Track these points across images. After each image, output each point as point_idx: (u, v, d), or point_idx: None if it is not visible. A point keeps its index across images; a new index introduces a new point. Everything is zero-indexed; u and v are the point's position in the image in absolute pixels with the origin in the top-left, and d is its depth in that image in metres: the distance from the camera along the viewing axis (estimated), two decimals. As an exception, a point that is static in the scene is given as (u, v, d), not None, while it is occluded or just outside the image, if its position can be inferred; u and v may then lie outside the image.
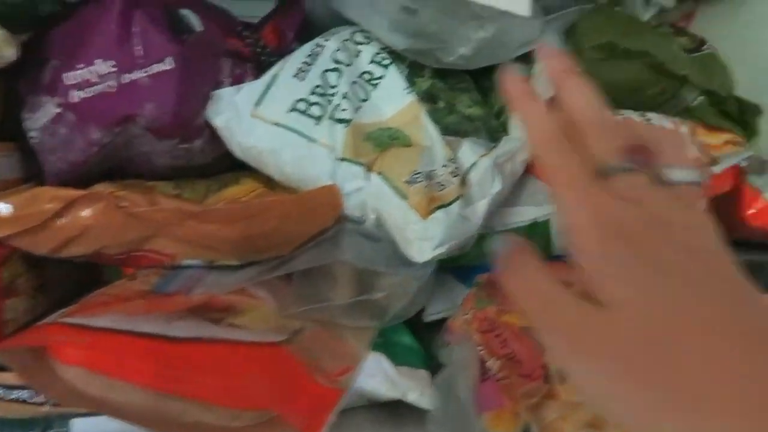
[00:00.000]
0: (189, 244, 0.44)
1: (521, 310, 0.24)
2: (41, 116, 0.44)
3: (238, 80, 0.48)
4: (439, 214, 0.42)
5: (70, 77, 0.43)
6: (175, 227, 0.43)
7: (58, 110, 0.43)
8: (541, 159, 0.25)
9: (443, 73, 0.54)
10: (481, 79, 0.56)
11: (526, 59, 0.52)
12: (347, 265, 0.47)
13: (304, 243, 0.47)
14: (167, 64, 0.42)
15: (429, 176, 0.45)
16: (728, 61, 0.56)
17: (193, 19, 0.45)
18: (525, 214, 0.52)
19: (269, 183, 0.49)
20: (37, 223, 0.41)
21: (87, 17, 0.43)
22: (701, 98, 0.52)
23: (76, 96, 0.43)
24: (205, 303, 0.44)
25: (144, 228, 0.43)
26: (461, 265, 0.54)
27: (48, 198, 0.41)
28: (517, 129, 0.51)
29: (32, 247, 0.43)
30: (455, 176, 0.45)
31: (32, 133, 0.44)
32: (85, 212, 0.42)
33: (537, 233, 0.52)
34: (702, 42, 0.57)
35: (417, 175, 0.44)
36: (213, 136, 0.47)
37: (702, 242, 0.23)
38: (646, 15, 0.57)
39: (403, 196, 0.43)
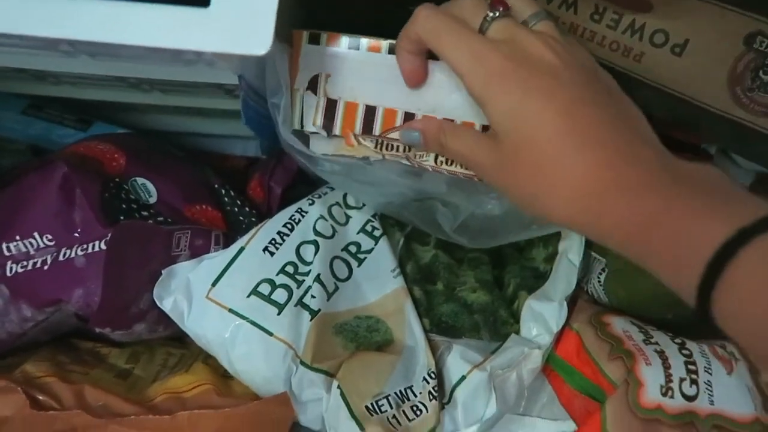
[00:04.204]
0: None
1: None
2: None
3: (198, 252, 0.41)
4: (400, 458, 0.33)
5: (9, 248, 0.39)
6: (97, 430, 0.37)
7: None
8: (430, 32, 0.29)
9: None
10: (495, 252, 0.48)
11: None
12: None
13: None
14: (103, 245, 0.37)
15: (401, 398, 0.36)
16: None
17: (148, 188, 0.40)
18: (537, 428, 0.42)
19: (224, 376, 0.41)
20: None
21: (28, 186, 0.39)
22: None
23: (11, 269, 0.38)
24: None
25: (60, 428, 0.37)
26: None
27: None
28: (531, 326, 0.41)
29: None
30: (433, 398, 0.36)
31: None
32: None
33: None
34: None
35: (382, 401, 0.35)
36: (160, 318, 0.40)
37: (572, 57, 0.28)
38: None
39: (360, 426, 0.34)
